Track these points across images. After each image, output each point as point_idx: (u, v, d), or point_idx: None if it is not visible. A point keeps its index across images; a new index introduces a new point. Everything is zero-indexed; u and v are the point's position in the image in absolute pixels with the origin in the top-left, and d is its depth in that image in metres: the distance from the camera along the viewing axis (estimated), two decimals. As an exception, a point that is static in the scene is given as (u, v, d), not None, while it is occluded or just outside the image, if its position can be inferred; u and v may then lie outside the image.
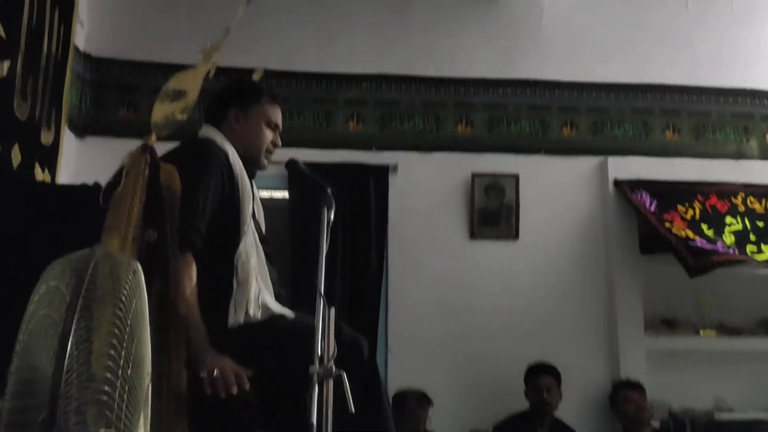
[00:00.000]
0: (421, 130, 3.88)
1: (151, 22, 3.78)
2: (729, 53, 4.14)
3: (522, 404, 3.48)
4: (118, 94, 3.74)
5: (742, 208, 3.86)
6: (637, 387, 3.45)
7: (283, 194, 3.70)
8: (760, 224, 3.80)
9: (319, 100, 3.86)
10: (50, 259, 1.14)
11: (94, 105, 3.69)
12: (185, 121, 1.65)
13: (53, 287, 0.94)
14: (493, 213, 3.81)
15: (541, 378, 3.41)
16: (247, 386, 1.56)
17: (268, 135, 1.94)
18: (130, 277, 0.95)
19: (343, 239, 3.53)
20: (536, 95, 3.97)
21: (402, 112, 3.89)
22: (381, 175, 3.72)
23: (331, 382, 1.44)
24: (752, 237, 3.75)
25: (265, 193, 3.73)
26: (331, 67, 3.87)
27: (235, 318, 1.68)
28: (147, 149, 1.49)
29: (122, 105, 3.74)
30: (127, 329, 0.90)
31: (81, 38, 3.57)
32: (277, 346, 1.67)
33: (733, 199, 3.88)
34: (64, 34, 3.33)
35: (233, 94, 1.97)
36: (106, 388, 0.86)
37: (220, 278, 1.69)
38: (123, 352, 0.88)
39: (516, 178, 3.83)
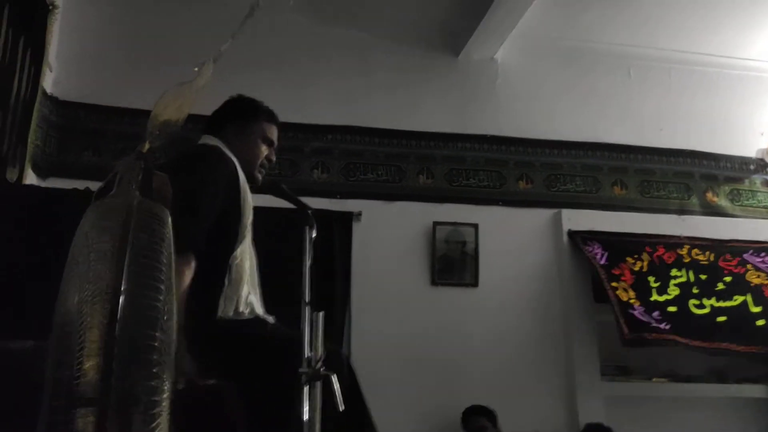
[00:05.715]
0: (384, 180, 4.00)
1: (118, 68, 3.83)
2: (669, 117, 4.45)
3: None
4: (82, 137, 3.74)
5: (687, 260, 4.07)
6: None
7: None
8: (703, 277, 4.01)
9: (285, 150, 3.92)
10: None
11: (58, 147, 3.68)
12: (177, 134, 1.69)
13: (85, 233, 0.95)
14: (453, 261, 3.91)
15: (475, 419, 3.44)
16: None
17: (264, 150, 2.02)
18: (167, 227, 0.97)
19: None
20: (493, 150, 4.16)
21: (366, 163, 4.01)
22: (345, 221, 3.79)
23: (319, 384, 1.45)
24: (695, 290, 3.95)
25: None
26: (297, 118, 3.97)
27: (224, 311, 1.70)
28: (141, 156, 1.53)
29: (86, 149, 3.73)
30: (170, 280, 0.91)
31: (49, 81, 3.61)
32: (265, 347, 1.68)
33: (679, 251, 4.09)
34: (34, 75, 3.36)
35: (233, 109, 2.05)
36: (155, 342, 0.87)
37: (214, 274, 1.71)
38: (166, 306, 0.89)
39: (475, 227, 3.96)
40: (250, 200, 1.90)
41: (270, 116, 2.07)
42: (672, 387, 3.90)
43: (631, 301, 3.76)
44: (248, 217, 1.86)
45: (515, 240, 4.01)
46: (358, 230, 3.82)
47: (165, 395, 0.91)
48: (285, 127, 3.93)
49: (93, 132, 3.75)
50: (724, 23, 4.28)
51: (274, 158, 2.07)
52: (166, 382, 0.92)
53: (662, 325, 3.70)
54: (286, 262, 3.45)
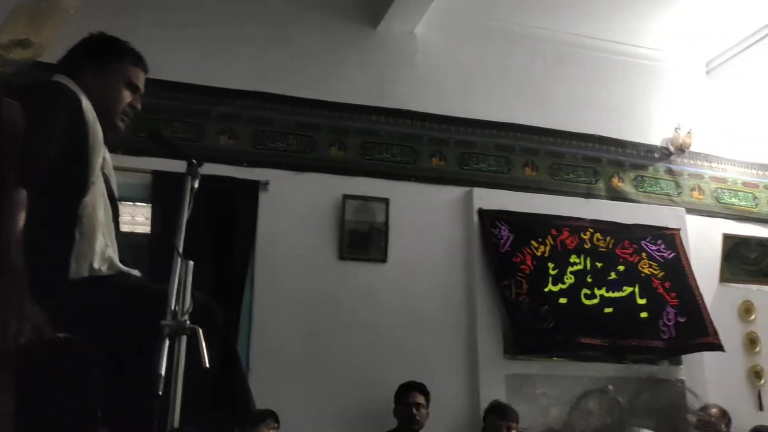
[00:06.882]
0: (294, 150, 3.87)
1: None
2: (580, 102, 4.51)
3: (388, 427, 3.44)
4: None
5: (588, 245, 4.15)
6: (512, 417, 3.46)
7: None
8: (599, 264, 4.10)
9: (190, 113, 3.75)
10: None
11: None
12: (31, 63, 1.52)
13: None
14: (362, 235, 3.83)
15: (412, 395, 3.41)
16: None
17: (126, 96, 1.83)
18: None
19: (206, 252, 3.38)
20: (408, 125, 4.10)
21: (276, 131, 3.86)
22: (251, 190, 3.65)
23: (184, 339, 1.33)
24: (589, 278, 4.04)
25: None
26: (204, 80, 3.79)
27: (77, 271, 1.54)
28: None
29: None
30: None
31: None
32: (127, 301, 1.54)
33: (582, 235, 4.17)
34: None
35: (92, 48, 1.85)
36: None
37: (61, 227, 1.54)
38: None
39: (386, 202, 3.89)
40: (101, 141, 1.72)
41: (137, 59, 1.87)
42: (572, 366, 3.97)
43: (521, 298, 3.81)
44: (98, 159, 1.68)
45: (426, 217, 3.97)
46: (265, 200, 3.68)
47: None
48: (191, 89, 3.79)
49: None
50: (635, 12, 4.38)
51: (139, 106, 1.88)
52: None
53: (545, 324, 3.79)
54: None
